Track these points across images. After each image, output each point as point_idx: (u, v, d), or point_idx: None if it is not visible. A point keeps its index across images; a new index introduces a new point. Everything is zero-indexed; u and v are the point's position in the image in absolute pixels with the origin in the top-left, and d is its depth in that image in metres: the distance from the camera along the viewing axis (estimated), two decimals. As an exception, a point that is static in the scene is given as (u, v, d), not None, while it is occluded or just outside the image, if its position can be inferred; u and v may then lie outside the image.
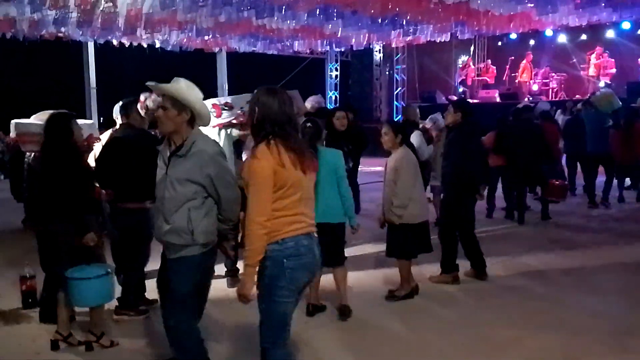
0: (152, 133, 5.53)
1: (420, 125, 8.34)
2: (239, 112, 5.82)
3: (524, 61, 18.91)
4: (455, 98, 19.16)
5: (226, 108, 5.91)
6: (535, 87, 18.64)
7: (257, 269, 3.00)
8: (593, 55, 17.37)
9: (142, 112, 5.35)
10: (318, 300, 5.14)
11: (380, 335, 4.68)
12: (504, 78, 19.66)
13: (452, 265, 5.99)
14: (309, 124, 4.87)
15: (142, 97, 5.56)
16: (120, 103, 5.36)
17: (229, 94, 18.75)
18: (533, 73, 18.83)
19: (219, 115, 5.85)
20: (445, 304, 5.40)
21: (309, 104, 7.94)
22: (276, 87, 3.17)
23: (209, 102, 5.65)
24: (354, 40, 14.22)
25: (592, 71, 17.46)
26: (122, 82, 16.81)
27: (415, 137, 7.56)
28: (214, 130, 5.84)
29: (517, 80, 19.15)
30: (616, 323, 4.83)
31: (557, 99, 17.55)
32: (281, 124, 3.01)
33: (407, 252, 5.43)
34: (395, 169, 5.30)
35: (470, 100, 18.45)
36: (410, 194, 5.28)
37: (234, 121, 5.87)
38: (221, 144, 5.29)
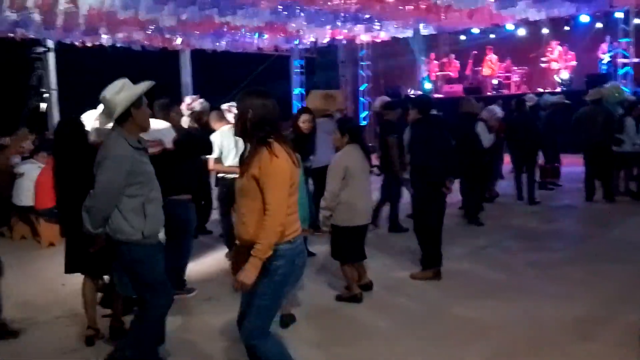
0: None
1: (479, 116, 8.78)
2: None
3: (487, 56, 19.11)
4: (419, 93, 19.33)
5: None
6: (495, 81, 18.82)
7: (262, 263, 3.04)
8: (555, 49, 17.68)
9: (187, 113, 6.06)
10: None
11: (350, 330, 4.72)
12: (466, 72, 19.84)
13: (432, 261, 5.99)
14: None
15: (188, 100, 6.41)
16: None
17: (194, 93, 18.60)
18: (497, 66, 18.98)
19: None
20: (413, 298, 5.45)
21: (377, 104, 8.59)
22: (263, 88, 3.21)
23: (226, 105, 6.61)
24: (317, 37, 14.25)
25: (554, 65, 17.74)
26: (84, 83, 16.48)
27: (479, 127, 8.37)
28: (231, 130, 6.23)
29: (479, 75, 19.35)
30: (578, 312, 4.94)
31: (519, 92, 17.78)
32: (276, 124, 3.12)
33: (342, 256, 5.39)
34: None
35: (436, 96, 18.62)
36: (338, 197, 5.17)
37: None
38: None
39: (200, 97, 6.93)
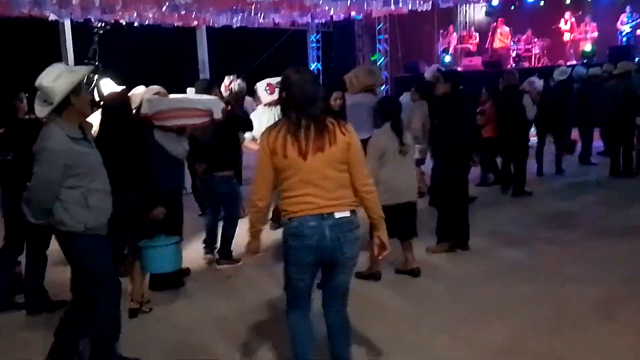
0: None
1: (521, 89, 9.10)
2: None
3: (498, 28, 18.90)
4: (437, 66, 19.08)
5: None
6: (513, 54, 18.55)
7: (258, 234, 3.35)
8: (568, 21, 17.45)
9: (226, 94, 6.41)
10: None
11: (371, 310, 4.71)
12: (486, 46, 19.54)
13: (448, 233, 6.03)
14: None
15: (226, 80, 6.81)
16: (103, 84, 5.59)
17: (211, 70, 18.51)
18: (511, 39, 18.76)
19: (272, 93, 6.67)
20: (434, 278, 5.43)
21: (429, 74, 8.81)
22: (302, 66, 3.31)
23: (264, 82, 6.87)
24: (332, 11, 14.08)
25: (567, 36, 17.51)
26: (101, 61, 16.53)
27: (525, 100, 8.69)
28: (266, 108, 6.67)
29: (490, 48, 19.11)
30: (601, 292, 4.89)
31: (540, 65, 17.50)
32: (303, 103, 3.10)
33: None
34: None
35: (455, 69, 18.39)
36: (376, 176, 5.07)
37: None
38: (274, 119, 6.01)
39: (222, 73, 7.15)
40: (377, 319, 4.57)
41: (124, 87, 5.67)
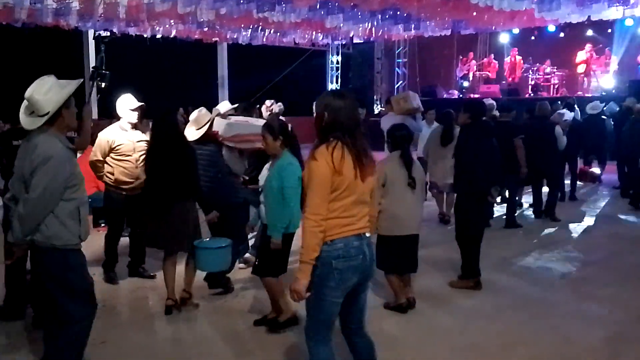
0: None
1: (552, 120, 9.43)
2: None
3: (511, 58, 19.05)
4: (455, 92, 19.20)
5: None
6: (532, 83, 18.58)
7: (311, 266, 3.05)
8: (582, 52, 17.51)
9: (266, 114, 7.13)
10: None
11: (376, 337, 4.64)
12: (505, 73, 19.56)
13: (473, 270, 5.83)
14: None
15: (268, 102, 7.72)
16: (123, 99, 5.88)
17: (229, 85, 18.62)
18: (522, 70, 18.92)
19: None
20: (440, 309, 5.37)
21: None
22: (344, 90, 3.29)
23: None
24: (352, 33, 14.22)
25: (581, 68, 17.54)
26: (121, 71, 16.71)
27: (557, 131, 8.94)
28: None
29: (507, 76, 19.21)
30: (610, 330, 4.83)
31: (557, 95, 17.47)
32: (350, 128, 3.12)
33: (384, 266, 5.16)
34: None
35: (472, 96, 18.41)
36: (381, 205, 4.95)
37: None
38: None
39: (240, 90, 7.55)
40: (380, 345, 4.50)
41: (142, 103, 5.76)
